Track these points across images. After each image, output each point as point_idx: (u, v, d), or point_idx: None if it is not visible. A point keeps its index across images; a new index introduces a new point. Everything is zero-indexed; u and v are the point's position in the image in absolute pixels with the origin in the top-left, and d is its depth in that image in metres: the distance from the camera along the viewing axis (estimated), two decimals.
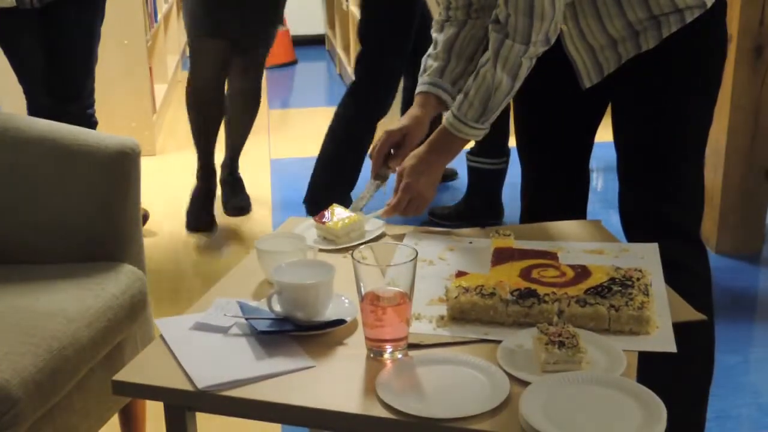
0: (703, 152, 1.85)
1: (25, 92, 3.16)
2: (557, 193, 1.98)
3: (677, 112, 1.79)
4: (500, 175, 3.59)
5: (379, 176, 1.82)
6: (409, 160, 1.73)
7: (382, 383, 1.21)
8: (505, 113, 3.47)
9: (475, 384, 1.21)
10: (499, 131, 3.52)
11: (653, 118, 1.79)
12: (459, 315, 1.38)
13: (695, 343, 1.79)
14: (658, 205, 1.81)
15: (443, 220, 3.58)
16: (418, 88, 1.83)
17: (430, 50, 1.85)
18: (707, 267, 1.86)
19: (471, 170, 3.62)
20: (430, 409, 1.16)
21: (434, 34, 1.87)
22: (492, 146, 3.49)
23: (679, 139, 1.79)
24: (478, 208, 3.62)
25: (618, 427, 1.12)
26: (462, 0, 1.82)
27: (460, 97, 1.70)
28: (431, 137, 1.73)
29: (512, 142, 3.52)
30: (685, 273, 1.71)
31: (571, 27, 1.76)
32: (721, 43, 1.82)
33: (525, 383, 1.19)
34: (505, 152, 3.56)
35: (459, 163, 3.81)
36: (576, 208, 1.99)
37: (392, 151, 1.81)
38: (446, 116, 1.72)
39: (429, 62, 1.84)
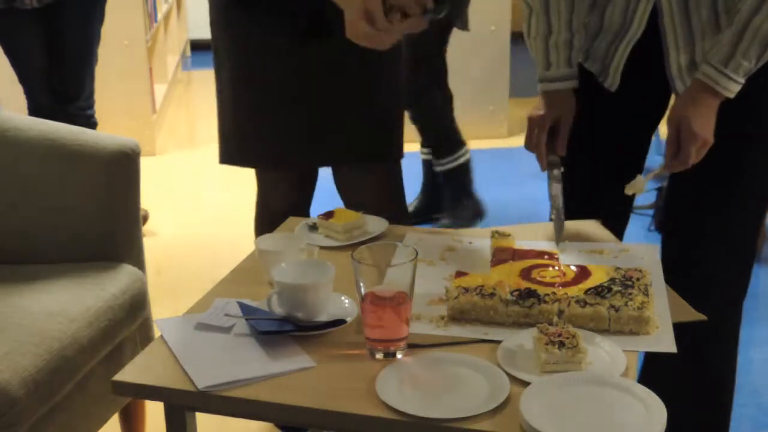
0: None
1: (26, 92, 3.16)
2: (604, 208, 1.80)
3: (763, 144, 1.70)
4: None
5: (552, 164, 1.73)
6: (683, 109, 1.58)
7: (382, 383, 1.21)
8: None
9: (475, 384, 1.21)
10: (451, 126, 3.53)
11: (738, 144, 1.67)
12: (459, 315, 1.38)
13: (719, 358, 1.80)
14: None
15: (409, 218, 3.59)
16: (555, 86, 1.73)
17: (544, 33, 1.73)
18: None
19: (426, 163, 3.62)
20: (430, 409, 1.16)
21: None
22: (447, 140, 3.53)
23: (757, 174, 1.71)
24: (436, 202, 3.63)
25: (618, 427, 1.12)
26: None
27: (722, 56, 1.55)
28: (695, 93, 1.58)
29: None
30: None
31: (678, 23, 1.63)
32: None
33: (525, 383, 1.19)
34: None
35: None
36: (619, 224, 1.85)
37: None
38: (708, 72, 1.56)
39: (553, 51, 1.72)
